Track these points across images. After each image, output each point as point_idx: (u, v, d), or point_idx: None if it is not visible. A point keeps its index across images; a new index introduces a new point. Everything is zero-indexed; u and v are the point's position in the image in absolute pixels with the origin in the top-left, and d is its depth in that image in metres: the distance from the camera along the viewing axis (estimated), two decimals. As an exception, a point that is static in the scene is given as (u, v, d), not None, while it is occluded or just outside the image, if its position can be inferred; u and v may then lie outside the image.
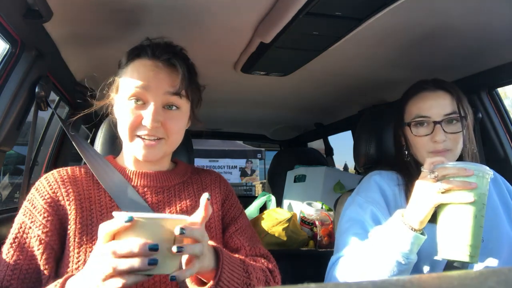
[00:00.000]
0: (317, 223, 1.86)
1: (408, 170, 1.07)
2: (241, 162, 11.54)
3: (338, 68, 1.54)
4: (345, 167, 8.43)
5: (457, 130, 1.01)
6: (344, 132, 2.67)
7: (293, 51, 1.27)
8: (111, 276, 0.61)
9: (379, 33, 1.18)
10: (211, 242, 0.77)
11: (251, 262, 0.86)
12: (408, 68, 1.49)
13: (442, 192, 0.80)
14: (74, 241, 0.80)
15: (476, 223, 0.78)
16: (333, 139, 3.02)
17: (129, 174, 0.93)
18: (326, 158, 2.99)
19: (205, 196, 0.69)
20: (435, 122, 1.01)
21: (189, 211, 0.91)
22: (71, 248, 0.80)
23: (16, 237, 0.79)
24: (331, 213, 1.88)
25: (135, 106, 0.85)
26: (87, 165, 0.92)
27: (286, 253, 1.71)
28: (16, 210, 0.88)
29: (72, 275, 0.70)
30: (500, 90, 1.54)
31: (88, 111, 0.98)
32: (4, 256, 0.77)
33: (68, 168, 0.91)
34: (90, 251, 0.77)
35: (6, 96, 1.05)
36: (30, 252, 0.78)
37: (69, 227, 0.82)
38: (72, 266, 0.78)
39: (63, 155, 1.74)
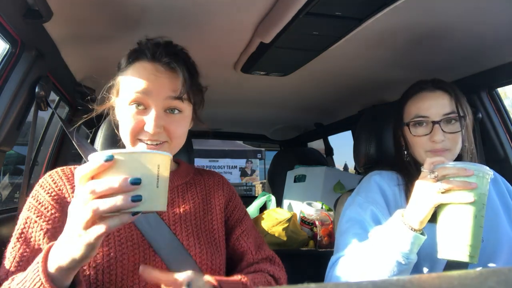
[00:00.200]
0: (317, 223, 1.86)
1: (407, 170, 1.07)
2: (241, 162, 11.52)
3: (338, 68, 1.54)
4: (345, 167, 8.43)
5: (455, 130, 1.01)
6: (344, 132, 2.67)
7: (293, 51, 1.27)
8: (93, 222, 0.57)
9: (379, 33, 1.18)
10: (208, 278, 0.74)
11: (255, 276, 0.85)
12: (408, 68, 1.49)
13: (442, 192, 0.80)
14: None
15: (476, 223, 0.78)
16: (333, 139, 3.02)
17: None
18: (326, 158, 2.99)
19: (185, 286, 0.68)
20: (434, 122, 1.01)
21: (193, 212, 0.91)
22: None
23: (22, 232, 0.79)
24: (331, 213, 1.88)
25: (137, 111, 0.83)
26: None
27: (286, 253, 1.71)
28: (16, 210, 0.88)
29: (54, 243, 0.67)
30: (500, 90, 1.54)
31: (89, 116, 0.97)
32: (10, 249, 0.77)
33: (71, 167, 0.91)
34: None
35: (6, 96, 1.05)
36: (36, 245, 0.78)
37: None
38: None
39: (63, 155, 1.74)
